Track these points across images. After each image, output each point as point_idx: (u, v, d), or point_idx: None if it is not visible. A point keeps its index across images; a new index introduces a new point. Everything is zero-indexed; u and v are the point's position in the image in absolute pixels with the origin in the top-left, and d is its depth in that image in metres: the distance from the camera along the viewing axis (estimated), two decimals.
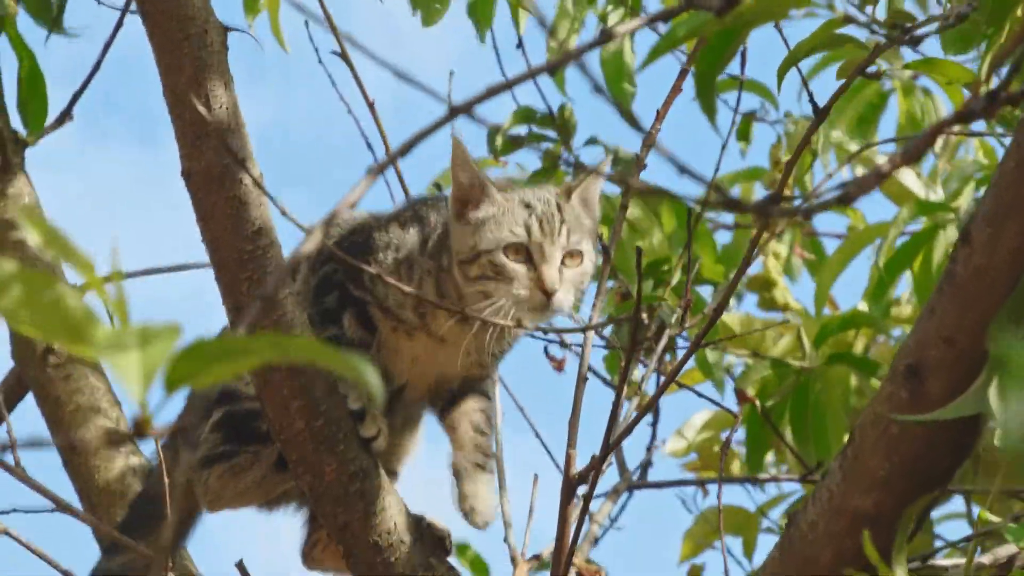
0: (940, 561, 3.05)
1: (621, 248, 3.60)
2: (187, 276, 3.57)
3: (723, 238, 4.25)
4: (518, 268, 2.68)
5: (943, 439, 2.18)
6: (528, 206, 2.72)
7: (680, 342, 3.60)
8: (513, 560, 3.24)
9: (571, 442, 2.82)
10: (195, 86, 2.51)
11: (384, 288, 2.75)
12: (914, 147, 1.63)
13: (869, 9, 2.24)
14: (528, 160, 3.77)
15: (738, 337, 3.76)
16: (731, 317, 3.98)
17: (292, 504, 2.98)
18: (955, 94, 4.14)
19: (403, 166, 3.41)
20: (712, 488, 4.08)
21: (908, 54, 3.77)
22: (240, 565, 2.87)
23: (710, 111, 1.90)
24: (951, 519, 4.21)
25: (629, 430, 2.82)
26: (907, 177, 3.91)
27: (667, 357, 3.63)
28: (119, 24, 3.41)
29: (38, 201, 3.32)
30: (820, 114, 2.39)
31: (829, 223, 5.30)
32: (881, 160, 4.14)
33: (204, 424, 2.85)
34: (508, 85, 1.58)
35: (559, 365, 3.71)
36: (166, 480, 2.81)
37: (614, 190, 3.51)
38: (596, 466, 2.74)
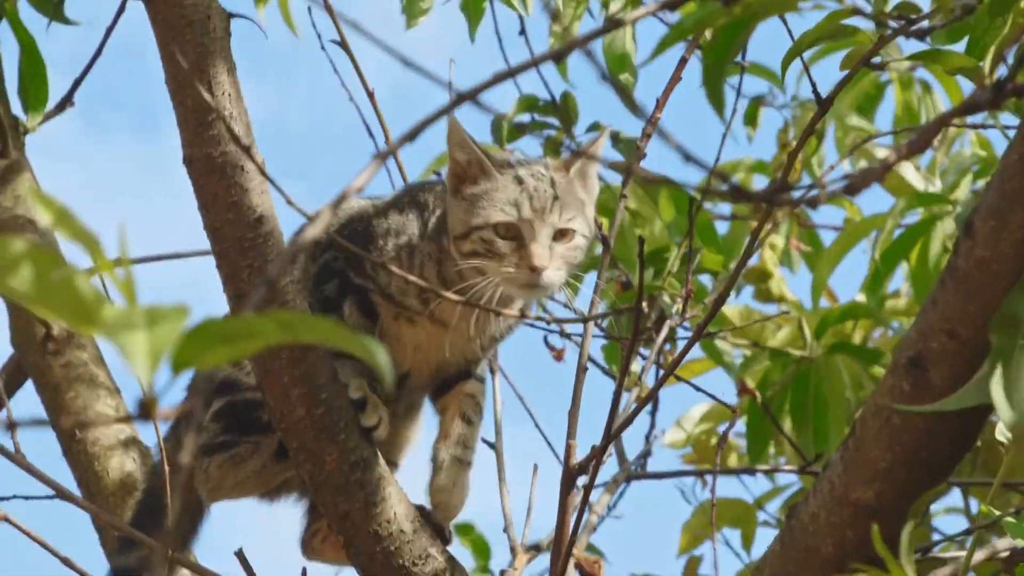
0: (938, 554, 3.06)
1: (621, 237, 3.59)
2: (186, 265, 3.58)
3: (720, 228, 4.24)
4: (508, 245, 2.68)
5: (945, 430, 2.18)
6: (520, 182, 2.71)
7: (680, 332, 3.59)
8: (512, 549, 3.24)
9: (571, 432, 2.82)
10: (198, 72, 2.51)
11: (387, 275, 2.75)
12: (920, 138, 1.63)
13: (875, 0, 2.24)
14: (530, 147, 3.77)
15: (739, 328, 3.76)
16: (729, 308, 3.99)
17: (293, 495, 2.97)
18: (951, 86, 4.14)
19: (402, 154, 3.41)
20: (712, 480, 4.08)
21: (908, 45, 3.78)
22: (240, 554, 2.87)
23: (719, 105, 1.89)
24: (948, 512, 4.22)
25: (630, 420, 2.81)
26: (906, 170, 3.91)
27: (667, 346, 3.63)
28: (121, 9, 3.41)
29: (39, 188, 3.32)
30: (823, 104, 2.39)
31: (826, 215, 5.30)
32: (881, 152, 4.15)
33: (207, 411, 2.85)
34: (513, 72, 1.58)
35: (559, 355, 3.71)
36: (166, 468, 2.81)
37: (616, 179, 3.51)
38: (597, 456, 2.74)
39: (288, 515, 2.99)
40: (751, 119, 4.00)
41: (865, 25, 2.30)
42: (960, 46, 2.35)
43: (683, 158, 1.53)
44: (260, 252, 2.59)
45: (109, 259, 1.22)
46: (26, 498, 3.04)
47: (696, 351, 3.81)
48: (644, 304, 3.25)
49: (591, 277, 2.93)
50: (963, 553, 2.74)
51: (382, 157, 1.47)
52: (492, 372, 3.31)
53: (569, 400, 2.86)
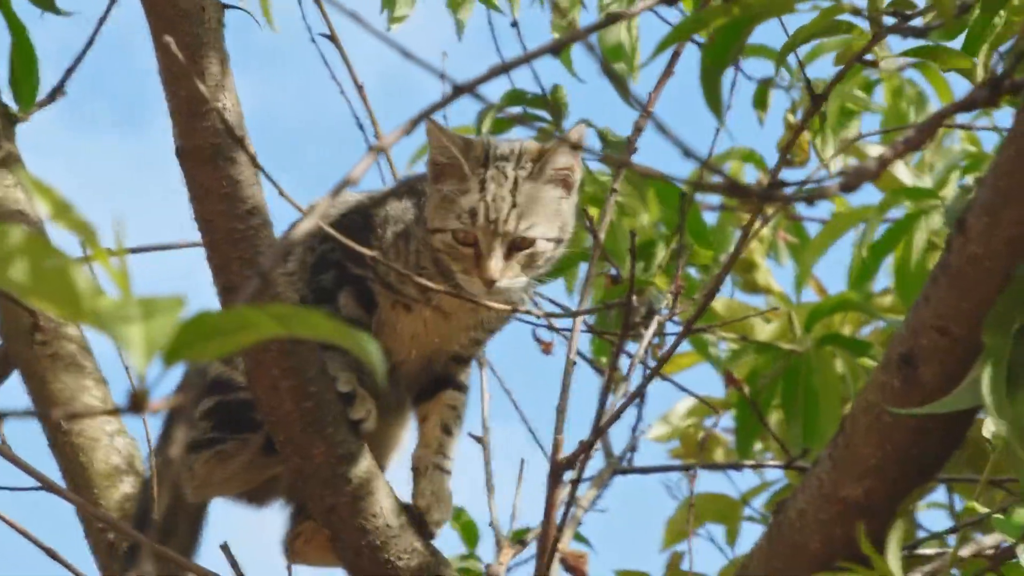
0: (923, 551, 3.05)
1: (610, 231, 3.59)
2: (174, 257, 3.57)
3: (708, 218, 4.21)
4: (466, 250, 2.67)
5: (936, 428, 2.18)
6: (483, 188, 2.68)
7: (669, 327, 3.58)
8: (498, 543, 3.24)
9: (559, 427, 2.82)
10: (191, 63, 2.50)
11: (386, 264, 2.74)
12: (917, 135, 1.63)
13: None
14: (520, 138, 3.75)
15: (727, 324, 3.75)
16: (715, 301, 3.97)
17: (280, 500, 2.96)
18: (940, 84, 4.14)
19: (393, 146, 3.39)
20: (698, 475, 4.07)
21: (900, 45, 3.78)
22: (225, 547, 2.86)
23: (716, 107, 1.89)
24: (930, 508, 4.22)
25: (618, 415, 2.81)
26: (897, 167, 3.91)
27: (655, 340, 3.62)
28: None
29: (33, 178, 3.30)
30: (817, 100, 2.39)
31: (813, 208, 5.28)
32: (872, 151, 4.15)
33: (198, 406, 2.84)
34: (510, 66, 1.57)
35: (547, 348, 3.70)
36: (153, 464, 2.80)
37: (604, 170, 3.50)
38: (584, 451, 2.74)
39: (278, 521, 2.99)
40: (760, 102, 3.96)
41: (861, 23, 2.30)
42: (956, 44, 2.35)
43: (679, 150, 1.52)
44: (251, 244, 2.58)
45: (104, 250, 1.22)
46: (11, 489, 3.03)
47: (683, 345, 3.80)
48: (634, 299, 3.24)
49: (582, 269, 2.92)
50: (946, 550, 2.75)
51: (377, 149, 1.46)
52: (480, 365, 3.30)
53: (555, 395, 2.86)
